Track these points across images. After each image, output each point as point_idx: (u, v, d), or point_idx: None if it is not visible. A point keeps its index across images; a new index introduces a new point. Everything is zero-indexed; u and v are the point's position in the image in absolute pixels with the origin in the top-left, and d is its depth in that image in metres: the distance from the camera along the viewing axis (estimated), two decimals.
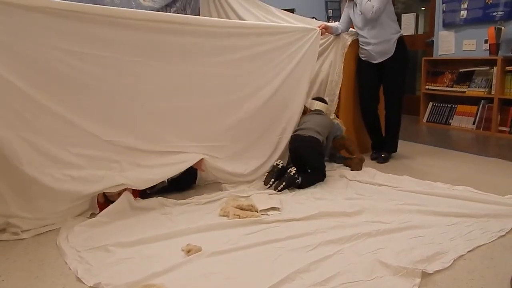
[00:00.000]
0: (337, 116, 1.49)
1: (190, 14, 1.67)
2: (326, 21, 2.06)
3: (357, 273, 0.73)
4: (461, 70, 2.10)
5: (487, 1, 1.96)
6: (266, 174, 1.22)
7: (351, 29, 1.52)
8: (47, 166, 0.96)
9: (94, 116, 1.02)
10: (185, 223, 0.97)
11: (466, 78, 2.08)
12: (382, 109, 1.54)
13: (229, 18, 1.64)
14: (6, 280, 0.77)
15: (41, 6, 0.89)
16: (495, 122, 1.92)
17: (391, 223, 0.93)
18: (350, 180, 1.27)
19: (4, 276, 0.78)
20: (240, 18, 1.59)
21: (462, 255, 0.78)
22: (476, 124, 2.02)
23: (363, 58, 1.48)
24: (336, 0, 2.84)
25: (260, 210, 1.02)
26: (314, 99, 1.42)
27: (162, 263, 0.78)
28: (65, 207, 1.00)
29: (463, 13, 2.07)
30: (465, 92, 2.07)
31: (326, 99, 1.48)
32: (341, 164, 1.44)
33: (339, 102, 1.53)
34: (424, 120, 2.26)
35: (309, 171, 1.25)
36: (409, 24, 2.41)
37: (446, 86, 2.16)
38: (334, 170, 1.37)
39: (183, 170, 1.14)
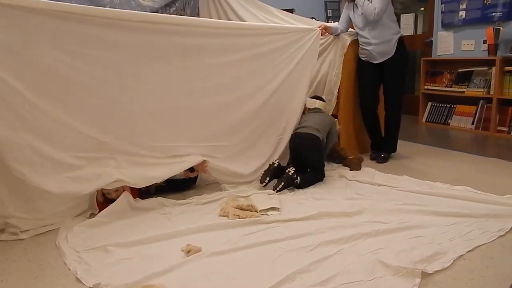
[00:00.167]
0: (335, 116, 1.49)
1: (189, 14, 1.67)
2: (325, 21, 2.06)
3: (357, 273, 0.73)
4: (460, 70, 2.11)
5: (485, 1, 1.97)
6: (263, 172, 1.22)
7: (350, 29, 1.52)
8: (45, 167, 0.96)
9: (93, 116, 1.02)
10: (184, 223, 0.97)
11: (465, 78, 2.09)
12: (381, 109, 1.54)
13: (229, 18, 1.63)
14: (6, 281, 0.77)
15: (41, 8, 0.89)
16: (493, 122, 1.93)
17: (391, 223, 0.93)
18: (350, 180, 1.27)
19: (3, 276, 0.78)
20: (240, 18, 1.59)
21: (462, 255, 0.78)
22: (475, 124, 2.02)
23: (363, 58, 1.49)
24: (335, 0, 2.85)
25: (260, 210, 1.02)
26: (312, 97, 1.42)
27: (161, 263, 0.78)
28: (64, 207, 0.99)
29: (462, 14, 2.08)
30: (464, 92, 2.08)
31: (323, 97, 1.48)
32: (340, 164, 1.44)
33: (338, 102, 1.54)
34: (423, 120, 2.26)
35: (308, 170, 1.25)
36: (408, 25, 2.42)
37: (445, 86, 2.16)
38: (333, 170, 1.37)
39: (182, 170, 1.14)
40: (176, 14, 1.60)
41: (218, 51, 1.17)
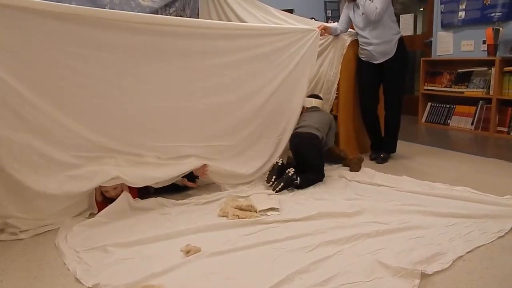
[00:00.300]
0: (334, 117, 1.49)
1: (189, 14, 1.67)
2: (325, 22, 2.05)
3: (356, 273, 0.73)
4: (459, 70, 2.11)
5: (485, 2, 1.97)
6: (268, 172, 1.22)
7: (350, 29, 1.52)
8: (45, 167, 0.95)
9: (93, 117, 1.02)
10: (184, 223, 0.96)
11: (464, 79, 2.09)
12: (381, 110, 1.54)
13: (229, 19, 1.64)
14: (5, 281, 0.77)
15: (41, 9, 0.89)
16: (493, 122, 1.93)
17: (390, 223, 0.93)
18: (349, 181, 1.27)
19: (2, 276, 0.78)
20: (239, 19, 1.59)
21: (461, 256, 0.78)
22: (474, 124, 2.02)
23: (363, 59, 1.49)
24: (335, 0, 2.85)
25: (259, 211, 1.02)
26: (308, 96, 1.42)
27: (161, 263, 0.78)
28: (63, 206, 0.99)
29: (461, 14, 2.08)
30: (463, 92, 2.08)
31: (320, 95, 1.48)
32: (340, 164, 1.44)
33: (338, 102, 1.54)
34: (423, 120, 2.26)
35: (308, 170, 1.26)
36: (407, 25, 2.42)
37: (445, 87, 2.16)
38: (333, 171, 1.37)
39: (183, 172, 1.14)
40: (176, 15, 1.61)
41: (218, 52, 1.18)
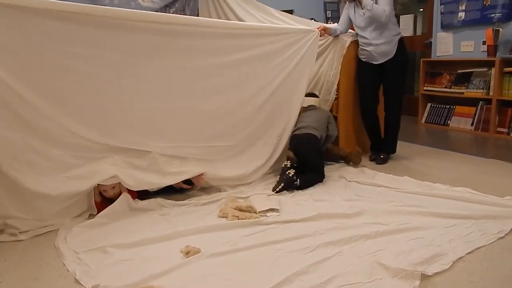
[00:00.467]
0: (334, 117, 1.50)
1: (189, 15, 1.67)
2: (324, 22, 2.05)
3: (356, 275, 0.73)
4: (459, 71, 2.11)
5: (485, 2, 1.97)
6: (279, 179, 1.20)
7: (350, 30, 1.53)
8: (44, 167, 0.95)
9: (93, 116, 1.02)
10: (183, 224, 0.96)
11: (464, 79, 2.09)
12: (381, 110, 1.54)
13: (228, 19, 1.64)
14: (5, 282, 0.77)
15: (42, 8, 0.89)
16: (493, 123, 1.93)
17: (390, 224, 0.93)
18: (349, 181, 1.27)
19: (2, 277, 0.78)
20: (239, 19, 1.59)
21: (461, 257, 0.78)
22: (474, 125, 2.02)
23: (363, 59, 1.49)
24: (334, 1, 2.86)
25: (259, 211, 1.02)
26: (305, 95, 1.42)
27: (160, 264, 0.78)
28: (62, 206, 0.99)
29: (461, 15, 2.08)
30: (463, 93, 2.08)
31: (317, 93, 1.48)
32: (342, 162, 1.44)
33: (338, 103, 1.54)
34: (423, 121, 2.26)
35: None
36: (407, 25, 2.42)
37: (445, 87, 2.16)
38: (333, 171, 1.37)
39: (180, 180, 1.14)
40: None
41: (218, 52, 1.17)
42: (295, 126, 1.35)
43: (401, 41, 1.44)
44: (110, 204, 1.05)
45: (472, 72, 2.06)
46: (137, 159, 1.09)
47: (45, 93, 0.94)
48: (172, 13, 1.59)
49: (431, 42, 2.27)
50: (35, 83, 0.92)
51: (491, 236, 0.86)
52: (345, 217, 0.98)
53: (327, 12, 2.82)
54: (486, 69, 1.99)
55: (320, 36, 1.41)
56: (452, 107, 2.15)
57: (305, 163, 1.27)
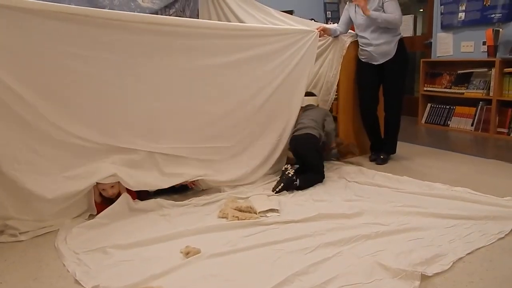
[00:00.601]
0: (334, 118, 1.50)
1: (189, 16, 1.67)
2: (324, 23, 2.04)
3: (356, 275, 0.73)
4: (459, 71, 2.11)
5: (485, 3, 1.97)
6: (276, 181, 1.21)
7: (350, 31, 1.53)
8: (43, 166, 0.95)
9: (93, 117, 1.02)
10: (183, 224, 0.96)
11: (464, 80, 2.09)
12: (381, 111, 1.54)
13: (228, 20, 1.64)
14: (5, 282, 0.77)
15: (41, 9, 0.89)
16: (493, 123, 1.93)
17: (390, 225, 0.93)
18: (349, 182, 1.27)
19: (2, 277, 0.78)
20: (239, 20, 1.60)
21: (461, 258, 0.78)
22: (474, 125, 2.02)
23: (363, 60, 1.49)
24: (334, 1, 2.86)
25: (259, 212, 1.02)
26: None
27: (160, 265, 0.78)
28: (62, 207, 0.99)
29: (461, 15, 2.08)
30: (463, 93, 2.08)
31: (315, 91, 1.48)
32: (333, 160, 1.44)
33: (338, 103, 1.54)
34: (423, 121, 2.26)
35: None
36: (407, 26, 2.42)
37: (445, 88, 2.17)
38: (333, 171, 1.37)
39: (177, 183, 1.14)
40: (176, 16, 1.61)
41: (217, 52, 1.18)
42: (294, 126, 1.35)
43: (401, 42, 1.44)
44: (110, 205, 1.05)
45: (472, 72, 2.06)
46: (136, 159, 1.09)
47: (45, 93, 0.94)
48: (172, 14, 1.60)
49: (431, 43, 2.27)
50: (35, 83, 0.93)
51: (491, 236, 0.86)
52: (345, 217, 0.98)
53: (327, 12, 2.82)
54: (486, 69, 1.99)
55: (320, 37, 1.41)
56: (452, 107, 2.15)
57: (304, 163, 1.27)
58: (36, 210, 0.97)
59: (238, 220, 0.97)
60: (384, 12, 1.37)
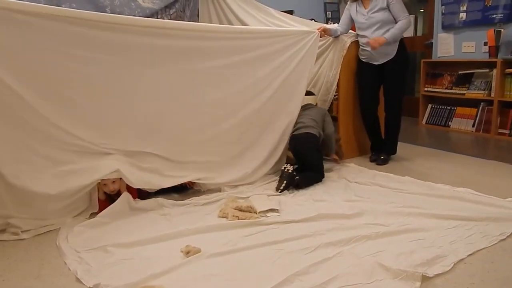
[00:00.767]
0: (335, 118, 1.50)
1: (189, 16, 1.67)
2: (324, 23, 2.05)
3: (356, 275, 0.73)
4: (460, 72, 2.10)
5: (486, 3, 1.96)
6: (278, 180, 1.22)
7: (350, 31, 1.52)
8: (44, 166, 0.96)
9: (93, 118, 1.02)
10: (184, 224, 0.97)
11: (465, 80, 2.08)
12: (381, 111, 1.54)
13: (229, 20, 1.64)
14: (7, 280, 0.77)
15: (42, 13, 0.90)
16: (494, 124, 1.92)
17: (391, 225, 0.93)
18: (350, 182, 1.27)
19: (4, 276, 0.79)
20: (239, 20, 1.60)
21: (463, 259, 0.78)
22: (475, 126, 2.01)
23: (363, 60, 1.48)
24: (335, 2, 2.86)
25: (259, 212, 1.02)
26: None
27: (161, 264, 0.78)
28: (64, 204, 1.00)
29: (462, 15, 2.07)
30: (464, 94, 2.07)
31: (314, 90, 1.49)
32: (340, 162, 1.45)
33: (338, 103, 1.54)
34: (423, 122, 2.25)
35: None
36: None
37: (446, 88, 2.16)
38: (333, 172, 1.37)
39: (178, 183, 1.15)
40: (176, 16, 1.60)
41: (218, 54, 1.18)
42: (294, 126, 1.35)
43: (402, 42, 1.44)
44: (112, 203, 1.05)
45: (473, 73, 2.05)
46: (137, 159, 1.10)
47: (45, 94, 0.94)
48: (172, 14, 1.59)
49: (431, 43, 2.27)
50: (35, 84, 0.93)
51: (493, 238, 0.86)
52: (346, 217, 0.98)
53: (327, 12, 2.82)
54: (487, 70, 1.98)
55: (320, 37, 1.41)
56: (453, 108, 2.14)
57: (304, 162, 1.27)
58: (38, 207, 0.97)
59: (238, 219, 0.98)
60: (390, 12, 1.36)
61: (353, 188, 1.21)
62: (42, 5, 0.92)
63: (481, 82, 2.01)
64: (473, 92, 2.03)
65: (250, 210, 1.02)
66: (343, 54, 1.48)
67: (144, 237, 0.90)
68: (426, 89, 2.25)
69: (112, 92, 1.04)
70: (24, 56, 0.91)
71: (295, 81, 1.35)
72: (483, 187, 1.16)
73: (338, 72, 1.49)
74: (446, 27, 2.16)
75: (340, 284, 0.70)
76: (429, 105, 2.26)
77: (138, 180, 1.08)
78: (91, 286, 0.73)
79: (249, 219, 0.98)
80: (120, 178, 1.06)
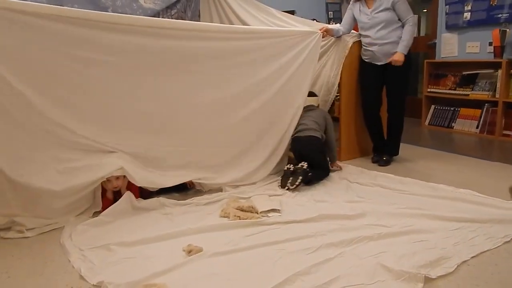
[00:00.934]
0: (336, 118, 1.50)
1: (190, 16, 1.66)
2: (326, 23, 2.04)
3: (358, 276, 0.72)
4: (464, 73, 2.08)
5: (491, 2, 1.94)
6: (281, 178, 1.23)
7: (353, 31, 1.51)
8: (48, 163, 0.97)
9: (93, 119, 1.03)
10: (186, 223, 0.97)
11: (469, 81, 2.06)
12: (384, 112, 1.53)
13: (230, 20, 1.64)
14: (12, 277, 0.78)
15: (44, 13, 0.90)
16: (499, 126, 1.90)
17: (393, 226, 0.92)
18: (351, 182, 1.27)
19: (9, 273, 0.80)
20: (241, 20, 1.59)
21: (466, 261, 0.77)
22: (479, 127, 1.99)
23: (366, 60, 1.48)
24: (336, 2, 2.84)
25: (260, 212, 1.02)
26: None
27: (163, 263, 0.79)
28: (68, 202, 1.00)
29: (467, 15, 2.05)
30: (468, 95, 2.05)
31: (314, 90, 1.48)
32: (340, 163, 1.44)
33: (340, 104, 1.53)
34: (426, 123, 2.24)
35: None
36: None
37: (449, 89, 2.14)
38: (334, 172, 1.37)
39: (179, 182, 1.15)
40: (177, 16, 1.61)
41: (220, 54, 1.18)
42: (296, 127, 1.35)
43: None
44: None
45: (477, 73, 2.03)
46: (140, 158, 1.10)
47: (45, 94, 0.95)
48: (173, 14, 1.59)
49: (435, 43, 2.24)
50: (35, 84, 0.93)
51: (497, 240, 0.85)
52: (347, 218, 0.98)
53: (329, 12, 2.81)
54: (492, 70, 1.96)
55: (323, 37, 1.40)
56: (456, 109, 2.11)
57: (309, 163, 1.27)
58: (43, 205, 0.98)
59: (240, 219, 0.98)
60: (395, 12, 1.36)
61: (354, 189, 1.21)
62: (44, 5, 0.92)
63: (486, 82, 1.99)
64: (477, 93, 2.01)
65: (251, 210, 1.02)
66: (345, 54, 1.48)
67: (146, 236, 0.91)
68: (429, 89, 2.23)
69: (114, 92, 1.05)
70: (26, 55, 0.91)
71: (297, 82, 1.35)
72: (487, 189, 1.15)
73: (339, 73, 1.48)
74: (450, 27, 2.14)
75: (342, 285, 0.70)
76: (432, 106, 2.24)
77: (142, 178, 1.08)
78: (94, 284, 0.74)
79: (250, 219, 0.98)
80: (124, 176, 1.06)
